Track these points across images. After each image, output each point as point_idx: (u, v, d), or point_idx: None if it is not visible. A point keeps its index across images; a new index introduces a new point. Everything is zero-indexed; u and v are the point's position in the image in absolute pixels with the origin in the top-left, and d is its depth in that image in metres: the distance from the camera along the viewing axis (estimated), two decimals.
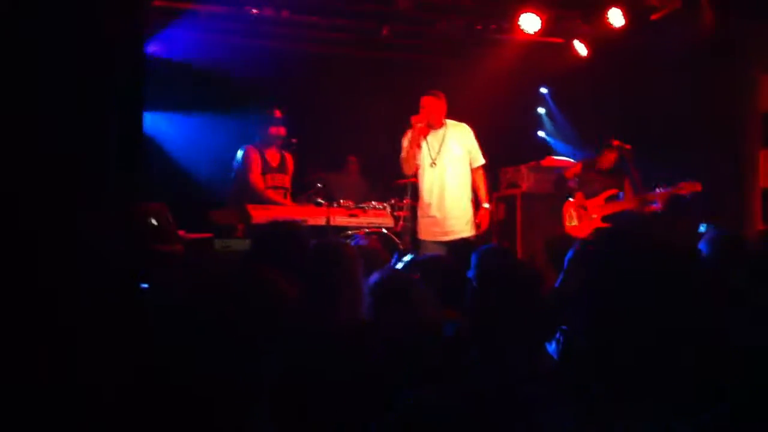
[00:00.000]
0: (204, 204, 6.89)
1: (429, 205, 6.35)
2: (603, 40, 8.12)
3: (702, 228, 6.52)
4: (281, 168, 6.97)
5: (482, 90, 8.48)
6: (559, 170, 7.96)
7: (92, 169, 2.00)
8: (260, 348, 1.70)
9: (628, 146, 7.09)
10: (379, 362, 2.17)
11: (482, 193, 6.44)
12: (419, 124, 6.22)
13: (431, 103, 6.30)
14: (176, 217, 5.44)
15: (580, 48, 8.33)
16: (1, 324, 1.79)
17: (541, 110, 10.13)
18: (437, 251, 5.89)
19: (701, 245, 3.62)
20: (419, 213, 6.50)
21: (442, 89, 6.47)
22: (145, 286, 2.47)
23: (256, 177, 6.80)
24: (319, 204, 6.84)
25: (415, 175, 6.44)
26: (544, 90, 10.03)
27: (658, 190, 6.74)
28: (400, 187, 7.19)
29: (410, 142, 6.25)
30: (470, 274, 3.64)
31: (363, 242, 4.83)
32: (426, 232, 6.39)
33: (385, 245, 5.89)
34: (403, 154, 6.33)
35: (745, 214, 7.33)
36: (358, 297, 2.79)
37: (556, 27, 8.10)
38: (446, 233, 6.28)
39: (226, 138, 7.58)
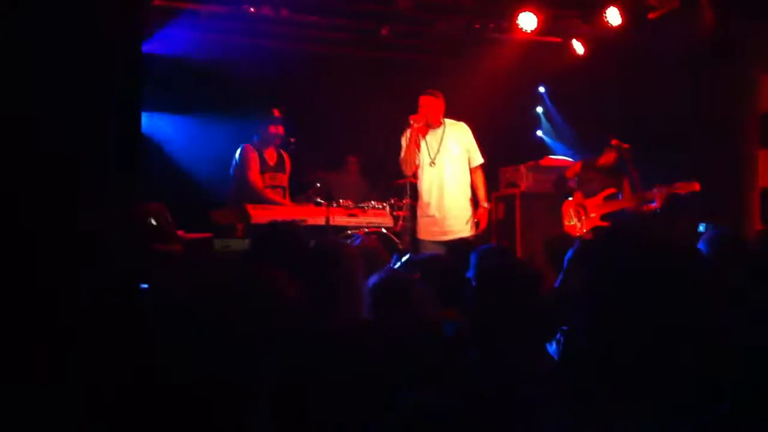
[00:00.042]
0: (203, 204, 6.89)
1: (428, 204, 6.35)
2: (601, 39, 8.12)
3: (701, 228, 6.53)
4: (279, 167, 6.97)
5: (481, 89, 8.48)
6: (559, 170, 7.96)
7: (92, 169, 2.00)
8: (260, 348, 1.70)
9: (626, 145, 7.09)
10: (379, 362, 2.17)
11: (481, 192, 6.44)
12: (418, 124, 6.22)
13: (429, 102, 6.30)
14: (175, 217, 5.44)
15: (578, 47, 8.34)
16: (1, 324, 1.79)
17: (540, 109, 10.13)
18: (436, 251, 5.89)
19: (700, 245, 3.62)
20: (418, 213, 6.50)
21: (441, 89, 6.47)
22: (145, 286, 2.47)
23: (254, 176, 6.79)
24: (319, 204, 6.84)
25: (414, 175, 6.44)
26: (542, 89, 10.04)
27: (656, 189, 6.75)
28: (400, 186, 7.19)
29: (409, 142, 6.25)
30: (469, 273, 3.64)
31: (363, 241, 4.83)
32: (425, 232, 6.39)
33: (385, 245, 5.89)
34: (402, 154, 6.33)
35: (744, 213, 7.33)
36: (358, 297, 2.80)
37: (554, 26, 8.10)
38: (445, 233, 6.28)
39: (225, 137, 7.58)
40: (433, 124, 6.33)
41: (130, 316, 1.92)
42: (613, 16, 7.60)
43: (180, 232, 5.53)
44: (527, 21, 7.68)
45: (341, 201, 6.89)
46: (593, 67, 8.27)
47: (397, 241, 6.85)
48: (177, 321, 1.74)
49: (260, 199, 6.65)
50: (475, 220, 6.36)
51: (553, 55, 8.64)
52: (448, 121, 6.40)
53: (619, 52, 8.03)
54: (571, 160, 8.27)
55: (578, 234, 6.95)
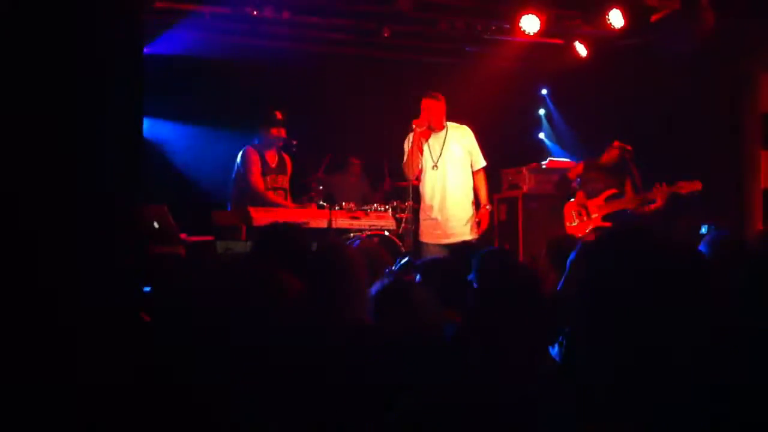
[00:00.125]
0: (205, 207, 6.90)
1: (431, 207, 6.34)
2: (603, 40, 8.13)
3: (703, 230, 6.53)
4: (280, 169, 6.98)
5: (483, 90, 8.50)
6: (561, 171, 7.96)
7: (92, 169, 2.00)
8: (260, 348, 1.70)
9: (629, 147, 7.10)
10: (379, 362, 2.17)
11: (483, 194, 6.43)
12: (420, 128, 6.21)
13: (431, 105, 6.28)
14: (178, 220, 5.45)
15: (581, 49, 8.34)
16: (1, 324, 1.79)
17: (542, 112, 10.14)
18: (439, 254, 5.88)
19: (701, 247, 3.62)
20: (421, 215, 6.49)
21: (443, 90, 6.47)
22: (147, 289, 2.48)
23: (256, 178, 6.80)
24: (321, 206, 6.84)
25: (417, 178, 6.44)
26: (544, 91, 10.04)
27: (657, 188, 6.75)
28: (402, 189, 7.19)
29: (412, 146, 6.24)
30: (471, 276, 3.64)
31: (362, 243, 4.84)
32: (428, 235, 6.39)
33: (387, 248, 5.89)
34: (406, 158, 6.33)
35: (746, 214, 7.33)
36: (360, 297, 2.79)
37: (556, 28, 8.11)
38: (448, 236, 6.26)
39: (227, 140, 7.59)
40: (436, 127, 6.32)
41: (130, 317, 1.93)
42: (616, 18, 7.60)
43: (183, 235, 5.54)
44: (530, 23, 7.68)
45: (344, 204, 6.89)
46: (595, 68, 8.28)
47: (400, 243, 6.85)
48: (178, 322, 1.74)
49: (262, 202, 6.65)
50: (477, 220, 6.35)
51: (555, 56, 8.65)
52: (450, 123, 6.39)
53: (621, 54, 8.04)
54: (573, 162, 8.27)
55: (580, 235, 6.94)
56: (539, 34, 7.84)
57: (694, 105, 7.37)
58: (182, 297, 1.78)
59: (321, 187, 7.41)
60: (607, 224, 6.98)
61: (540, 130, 10.17)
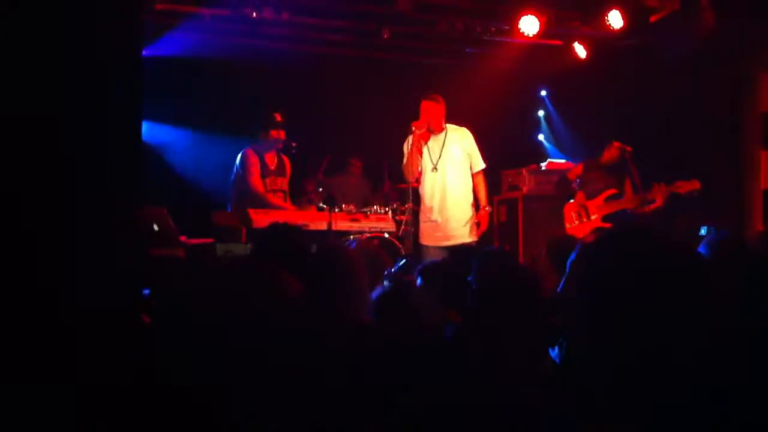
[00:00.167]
0: (205, 210, 6.90)
1: (430, 209, 6.34)
2: (602, 41, 8.13)
3: (703, 231, 6.53)
4: (279, 171, 6.97)
5: (482, 92, 8.50)
6: (560, 172, 7.97)
7: (92, 171, 2.00)
8: (260, 349, 1.70)
9: (629, 148, 7.10)
10: (380, 363, 2.17)
11: (482, 196, 6.43)
12: (420, 130, 6.21)
13: (431, 107, 6.28)
14: (177, 222, 5.46)
15: (580, 50, 8.34)
16: (1, 324, 1.80)
17: (541, 113, 10.14)
18: (439, 256, 5.88)
19: (701, 248, 3.62)
20: (421, 218, 6.49)
21: (443, 91, 6.48)
22: (147, 291, 2.48)
23: (255, 180, 6.79)
24: (321, 209, 6.83)
25: (417, 180, 6.44)
26: (543, 92, 10.05)
27: (656, 188, 6.75)
28: (402, 191, 7.19)
29: (411, 149, 6.24)
30: (470, 277, 3.64)
31: (359, 244, 4.84)
32: (428, 237, 6.38)
33: (387, 250, 5.89)
34: (405, 160, 6.33)
35: (745, 215, 7.33)
36: (360, 298, 2.80)
37: (556, 29, 8.11)
38: (448, 238, 6.26)
39: (227, 142, 7.59)
40: (435, 129, 6.32)
41: (130, 318, 1.93)
42: (616, 19, 7.60)
43: (182, 238, 5.55)
44: (529, 25, 7.69)
45: (344, 206, 6.89)
46: (595, 69, 8.28)
47: (400, 246, 6.84)
48: (178, 323, 1.74)
49: (262, 203, 6.65)
50: (476, 221, 6.35)
51: (555, 57, 8.65)
52: (450, 126, 6.39)
53: (621, 55, 8.04)
54: (572, 163, 8.28)
55: (581, 236, 6.94)
56: (538, 35, 7.84)
57: (693, 105, 7.37)
58: (182, 297, 1.78)
59: (320, 189, 7.40)
60: (607, 225, 6.99)
61: (539, 132, 10.18)
